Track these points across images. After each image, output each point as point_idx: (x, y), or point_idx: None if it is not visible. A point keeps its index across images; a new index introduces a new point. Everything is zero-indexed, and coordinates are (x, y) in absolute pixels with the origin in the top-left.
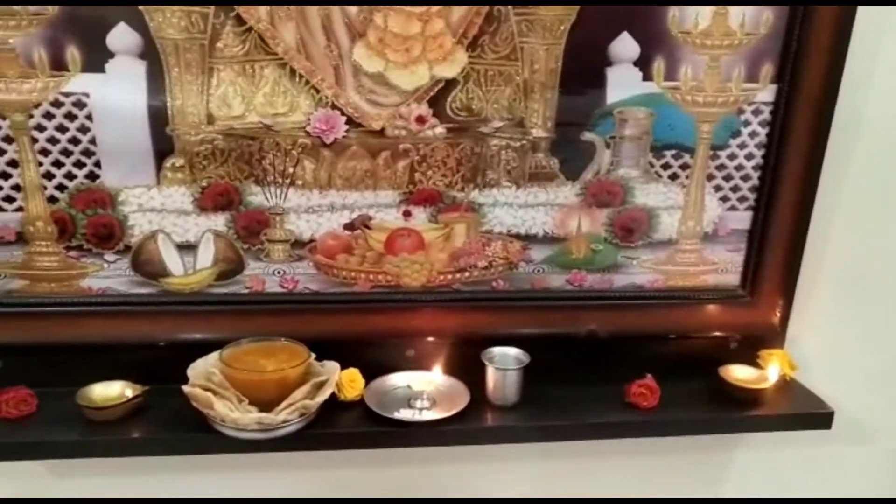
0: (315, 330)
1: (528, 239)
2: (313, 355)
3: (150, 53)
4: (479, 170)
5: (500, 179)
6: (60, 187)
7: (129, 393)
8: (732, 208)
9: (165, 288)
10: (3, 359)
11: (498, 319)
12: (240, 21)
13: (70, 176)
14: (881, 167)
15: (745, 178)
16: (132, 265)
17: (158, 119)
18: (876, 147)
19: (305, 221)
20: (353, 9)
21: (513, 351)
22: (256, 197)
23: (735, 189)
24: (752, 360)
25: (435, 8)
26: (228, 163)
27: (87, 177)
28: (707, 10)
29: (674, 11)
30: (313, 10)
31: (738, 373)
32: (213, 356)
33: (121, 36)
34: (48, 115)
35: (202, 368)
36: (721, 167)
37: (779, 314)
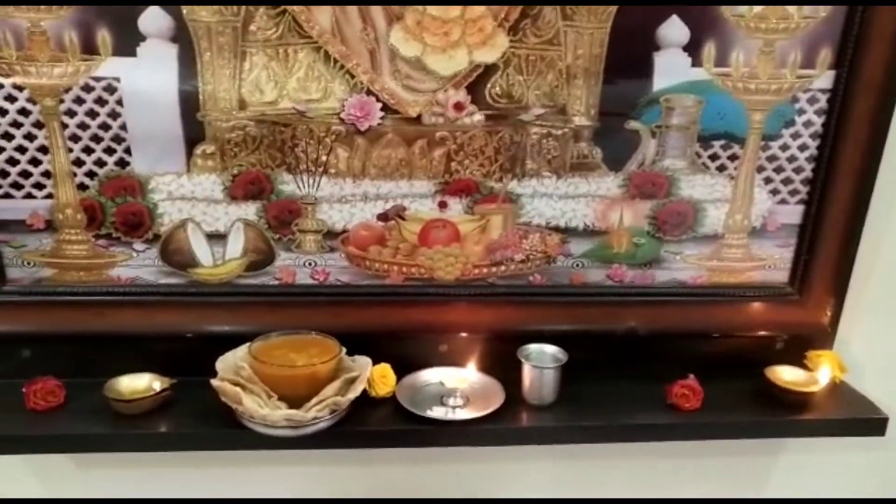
0: (346, 323)
1: (568, 232)
2: (344, 350)
3: (182, 37)
4: (518, 159)
5: (540, 169)
6: (90, 174)
7: (157, 386)
8: (783, 202)
9: (194, 278)
10: (30, 348)
11: (534, 315)
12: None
13: (100, 163)
14: None
15: (798, 170)
16: (161, 254)
17: (189, 104)
18: None
19: (338, 211)
20: None
21: (550, 348)
22: (288, 186)
23: (786, 182)
24: (798, 361)
25: None
26: (260, 150)
27: (117, 163)
28: None
29: None
30: None
31: (785, 374)
32: (242, 349)
33: (153, 19)
34: (79, 100)
35: (231, 362)
36: (772, 158)
37: (829, 313)
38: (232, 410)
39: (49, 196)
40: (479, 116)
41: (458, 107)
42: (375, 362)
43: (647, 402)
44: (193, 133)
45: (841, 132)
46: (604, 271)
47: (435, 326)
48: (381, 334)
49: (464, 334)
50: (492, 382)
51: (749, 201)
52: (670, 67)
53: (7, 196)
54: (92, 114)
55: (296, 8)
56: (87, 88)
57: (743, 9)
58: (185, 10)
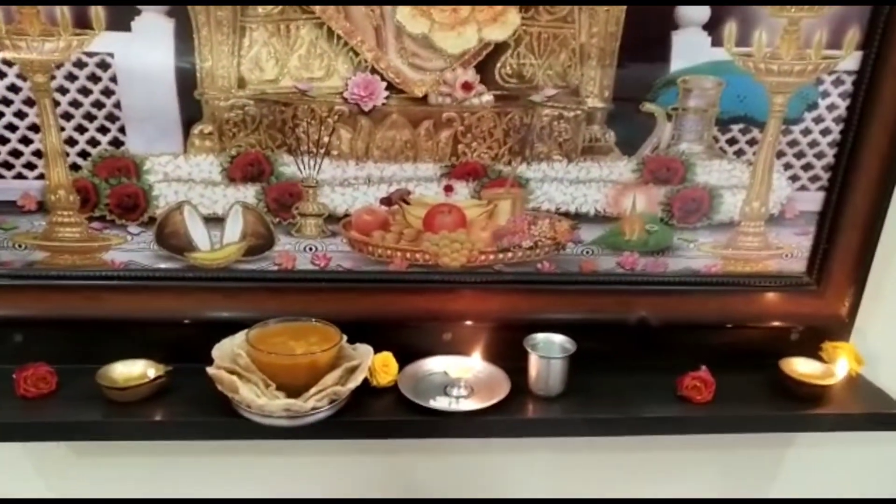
0: (347, 310)
1: (578, 218)
2: (345, 337)
3: (179, 11)
4: (528, 142)
5: (551, 153)
6: (83, 154)
7: (152, 373)
8: (802, 188)
9: (191, 263)
10: (22, 333)
11: (542, 304)
12: None
13: (93, 142)
14: None
15: (819, 155)
16: (157, 238)
17: (186, 82)
18: None
19: (340, 195)
20: None
21: (558, 338)
22: (289, 168)
23: (807, 167)
24: (813, 353)
25: None
26: (260, 130)
27: (111, 143)
28: None
29: None
30: None
31: (800, 366)
32: (240, 337)
33: None
34: (71, 77)
35: (228, 349)
36: (793, 143)
37: (847, 304)
38: (229, 399)
39: (41, 176)
40: (487, 97)
41: (467, 87)
42: (377, 351)
43: (657, 394)
44: (190, 112)
45: (866, 116)
46: (615, 259)
47: (439, 314)
48: (384, 322)
49: (469, 323)
50: (497, 372)
51: (767, 188)
52: (689, 47)
53: None
54: (85, 91)
55: None
56: (80, 64)
57: None
58: None
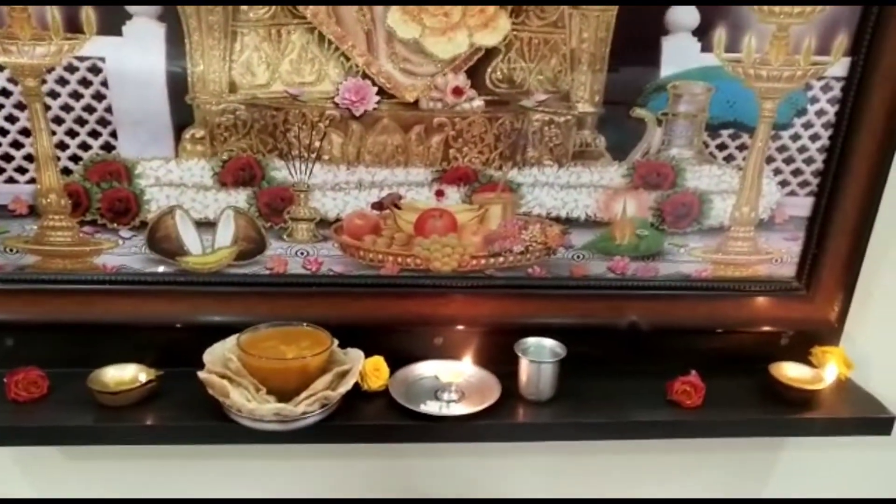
0: (339, 314)
1: (569, 222)
2: (336, 342)
3: (170, 16)
4: (519, 147)
5: (542, 158)
6: (75, 158)
7: (143, 377)
8: (792, 193)
9: (182, 267)
10: (13, 337)
11: (533, 308)
12: None
13: (85, 146)
14: None
15: (809, 160)
16: (148, 242)
17: (178, 87)
18: None
19: (331, 199)
20: None
21: (548, 342)
22: (280, 172)
23: (796, 173)
24: (803, 357)
25: None
26: (251, 135)
27: (102, 147)
28: None
29: None
30: None
31: (790, 371)
32: (231, 341)
33: None
34: (62, 81)
35: (219, 353)
36: (782, 149)
37: (837, 309)
38: (220, 404)
39: (32, 181)
40: (478, 102)
41: (458, 92)
42: (368, 355)
43: (647, 398)
44: (182, 116)
45: (855, 122)
46: (605, 264)
47: (430, 319)
48: (375, 326)
49: (460, 327)
50: (488, 377)
51: (757, 193)
52: (679, 52)
53: None
54: (76, 95)
55: None
56: (71, 69)
57: None
58: None
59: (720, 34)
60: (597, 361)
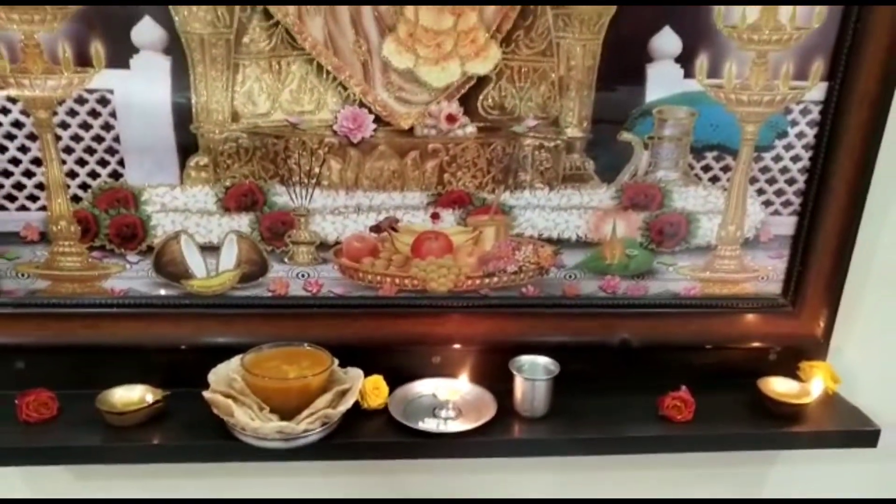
0: (339, 335)
1: (561, 243)
2: (336, 361)
3: (175, 49)
4: (511, 171)
5: (533, 181)
6: (84, 186)
7: (150, 398)
8: (776, 213)
9: (187, 290)
10: (24, 360)
11: (527, 327)
12: (267, 15)
13: (94, 174)
14: None
15: (791, 181)
16: (154, 266)
17: (182, 116)
18: None
19: (331, 223)
20: None
21: (542, 360)
22: (281, 197)
23: (779, 193)
24: (791, 372)
25: None
26: (253, 162)
27: (110, 175)
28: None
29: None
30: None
31: (777, 386)
32: (235, 361)
33: (146, 31)
34: (72, 112)
35: (223, 374)
36: (765, 170)
37: (822, 325)
38: (224, 422)
39: (43, 208)
40: (471, 128)
41: (451, 118)
42: (368, 374)
43: (639, 413)
44: (186, 145)
45: (833, 144)
46: (597, 283)
47: (428, 338)
48: (374, 346)
49: (457, 346)
50: (484, 394)
51: (742, 213)
52: (663, 79)
53: (1, 208)
54: (85, 126)
55: (289, 20)
56: (81, 100)
57: (736, 19)
58: (177, 21)
59: (702, 61)
60: (589, 378)
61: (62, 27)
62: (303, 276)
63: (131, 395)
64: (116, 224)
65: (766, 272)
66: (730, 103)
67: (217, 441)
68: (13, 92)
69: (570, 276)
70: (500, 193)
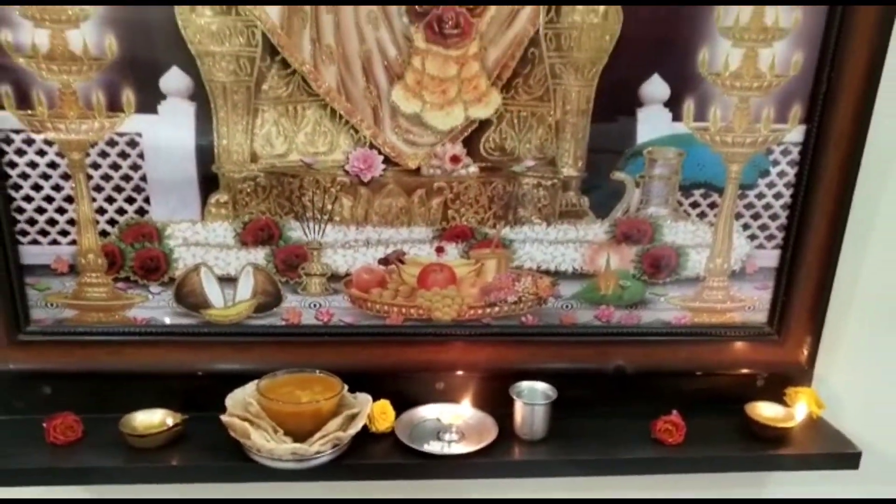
0: (349, 362)
1: (558, 275)
2: (346, 387)
3: (200, 95)
4: (511, 207)
5: (531, 217)
6: (111, 222)
7: (170, 421)
8: (760, 247)
9: (206, 319)
10: (51, 385)
11: (526, 354)
12: (285, 64)
13: (121, 211)
14: None
15: (774, 216)
16: (175, 297)
17: (205, 157)
18: None
19: (342, 256)
20: (392, 51)
21: (541, 385)
22: (295, 232)
23: (763, 227)
24: (778, 397)
25: (472, 51)
26: (270, 199)
27: (136, 212)
28: (737, 53)
29: (704, 53)
30: (354, 53)
31: (764, 410)
32: (251, 386)
33: (173, 79)
34: (103, 154)
35: (240, 398)
36: (749, 206)
37: (806, 352)
38: (240, 444)
39: (73, 242)
40: (474, 168)
41: (455, 159)
42: (376, 399)
43: (632, 436)
44: (208, 183)
45: (813, 181)
46: (592, 312)
47: (432, 365)
48: (382, 372)
49: (460, 372)
50: (486, 418)
51: (728, 246)
52: (653, 122)
53: (34, 242)
54: (115, 166)
55: (305, 68)
56: (112, 143)
57: (719, 67)
58: (203, 70)
59: (689, 105)
60: (586, 403)
61: (97, 76)
62: (315, 305)
63: (152, 419)
64: (141, 257)
65: (752, 302)
66: (715, 144)
67: (233, 462)
68: (50, 135)
69: (567, 306)
70: (500, 228)
